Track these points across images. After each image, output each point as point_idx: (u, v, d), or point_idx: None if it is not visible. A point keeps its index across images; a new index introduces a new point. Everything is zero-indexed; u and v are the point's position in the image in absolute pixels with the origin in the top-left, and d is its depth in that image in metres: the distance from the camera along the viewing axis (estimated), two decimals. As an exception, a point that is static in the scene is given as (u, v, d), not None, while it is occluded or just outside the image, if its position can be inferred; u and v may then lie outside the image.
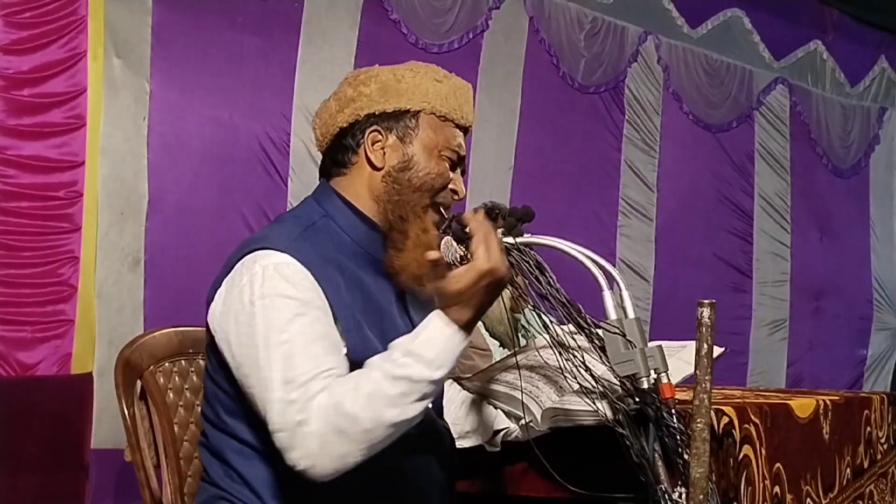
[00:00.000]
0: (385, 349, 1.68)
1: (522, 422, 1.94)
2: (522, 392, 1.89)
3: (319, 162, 1.93)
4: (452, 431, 2.01)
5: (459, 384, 2.10)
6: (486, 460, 2.04)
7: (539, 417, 1.88)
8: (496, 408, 2.01)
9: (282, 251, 1.71)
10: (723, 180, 6.55)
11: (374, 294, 1.81)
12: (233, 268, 1.74)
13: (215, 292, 1.77)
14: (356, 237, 1.83)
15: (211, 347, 1.81)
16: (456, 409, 2.06)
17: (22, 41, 3.72)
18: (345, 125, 1.86)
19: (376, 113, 1.84)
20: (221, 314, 1.74)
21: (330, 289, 1.73)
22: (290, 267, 1.70)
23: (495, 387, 2.00)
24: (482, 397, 2.04)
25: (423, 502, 1.86)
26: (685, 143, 6.30)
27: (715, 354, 2.09)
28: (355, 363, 1.71)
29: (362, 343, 1.74)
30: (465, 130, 1.91)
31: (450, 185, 1.86)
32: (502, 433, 1.99)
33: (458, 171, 1.89)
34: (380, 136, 1.84)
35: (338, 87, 1.90)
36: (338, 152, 1.88)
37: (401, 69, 1.88)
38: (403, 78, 1.86)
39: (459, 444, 2.02)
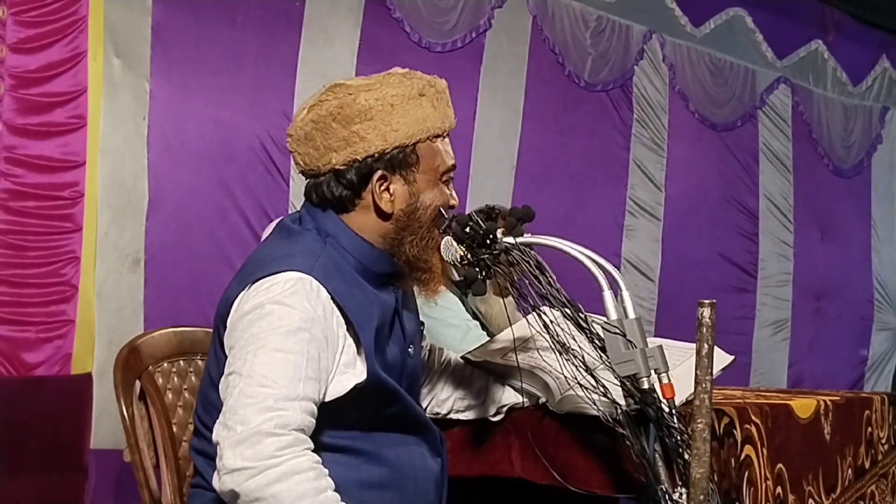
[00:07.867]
0: (385, 362, 1.79)
1: (542, 400, 1.99)
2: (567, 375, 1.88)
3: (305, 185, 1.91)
4: (456, 405, 2.07)
5: (465, 360, 2.13)
6: (482, 442, 2.05)
7: (556, 399, 1.93)
8: (504, 384, 2.04)
9: (307, 273, 1.73)
10: (729, 180, 6.52)
11: (383, 307, 1.85)
12: (252, 283, 1.75)
13: (229, 306, 1.77)
14: (359, 255, 1.83)
15: (216, 357, 1.82)
16: (460, 383, 2.10)
17: (29, 39, 3.71)
18: (341, 167, 1.82)
19: (375, 156, 1.80)
20: (235, 322, 1.74)
21: (352, 308, 1.76)
22: (311, 284, 1.72)
23: (509, 363, 2.03)
24: (489, 373, 2.07)
25: (420, 492, 1.89)
26: (691, 142, 6.27)
27: (725, 364, 2.11)
28: (370, 383, 1.76)
29: (375, 366, 1.77)
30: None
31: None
32: (507, 407, 2.05)
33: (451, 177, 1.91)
34: (385, 181, 1.82)
35: (317, 113, 1.83)
36: (334, 189, 1.85)
37: (384, 94, 1.80)
38: (393, 108, 1.79)
39: (463, 416, 2.07)
